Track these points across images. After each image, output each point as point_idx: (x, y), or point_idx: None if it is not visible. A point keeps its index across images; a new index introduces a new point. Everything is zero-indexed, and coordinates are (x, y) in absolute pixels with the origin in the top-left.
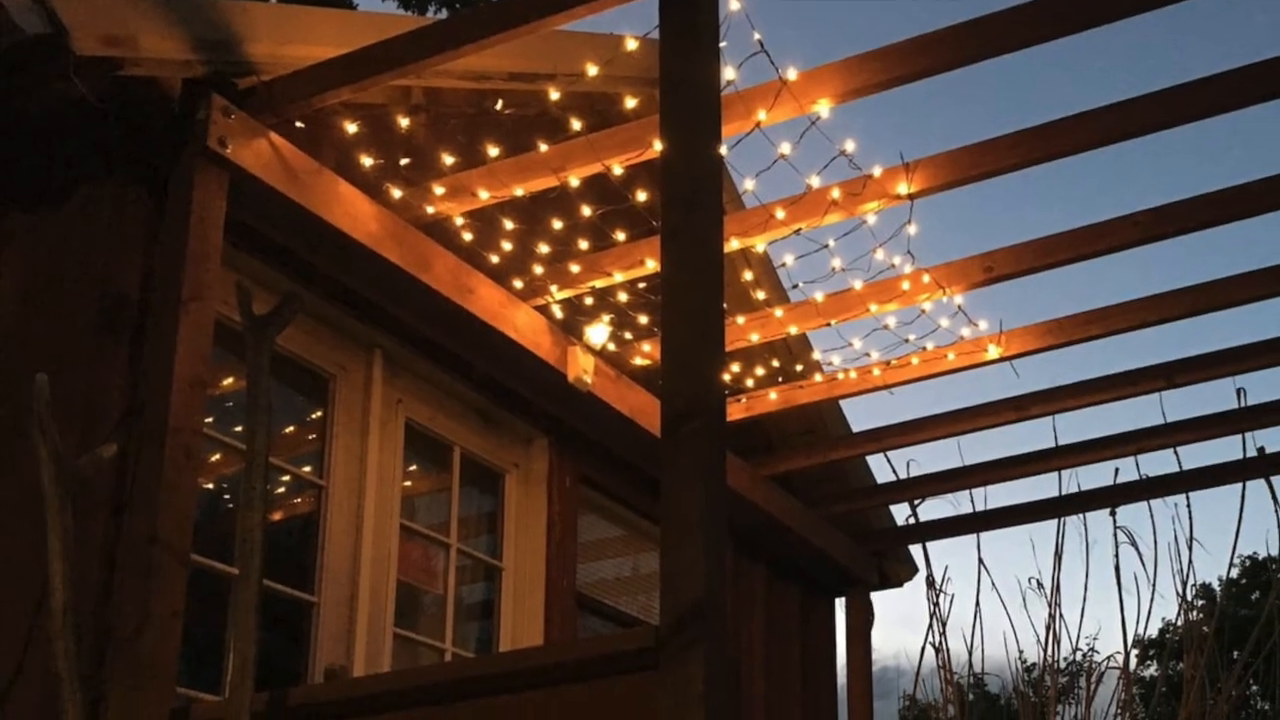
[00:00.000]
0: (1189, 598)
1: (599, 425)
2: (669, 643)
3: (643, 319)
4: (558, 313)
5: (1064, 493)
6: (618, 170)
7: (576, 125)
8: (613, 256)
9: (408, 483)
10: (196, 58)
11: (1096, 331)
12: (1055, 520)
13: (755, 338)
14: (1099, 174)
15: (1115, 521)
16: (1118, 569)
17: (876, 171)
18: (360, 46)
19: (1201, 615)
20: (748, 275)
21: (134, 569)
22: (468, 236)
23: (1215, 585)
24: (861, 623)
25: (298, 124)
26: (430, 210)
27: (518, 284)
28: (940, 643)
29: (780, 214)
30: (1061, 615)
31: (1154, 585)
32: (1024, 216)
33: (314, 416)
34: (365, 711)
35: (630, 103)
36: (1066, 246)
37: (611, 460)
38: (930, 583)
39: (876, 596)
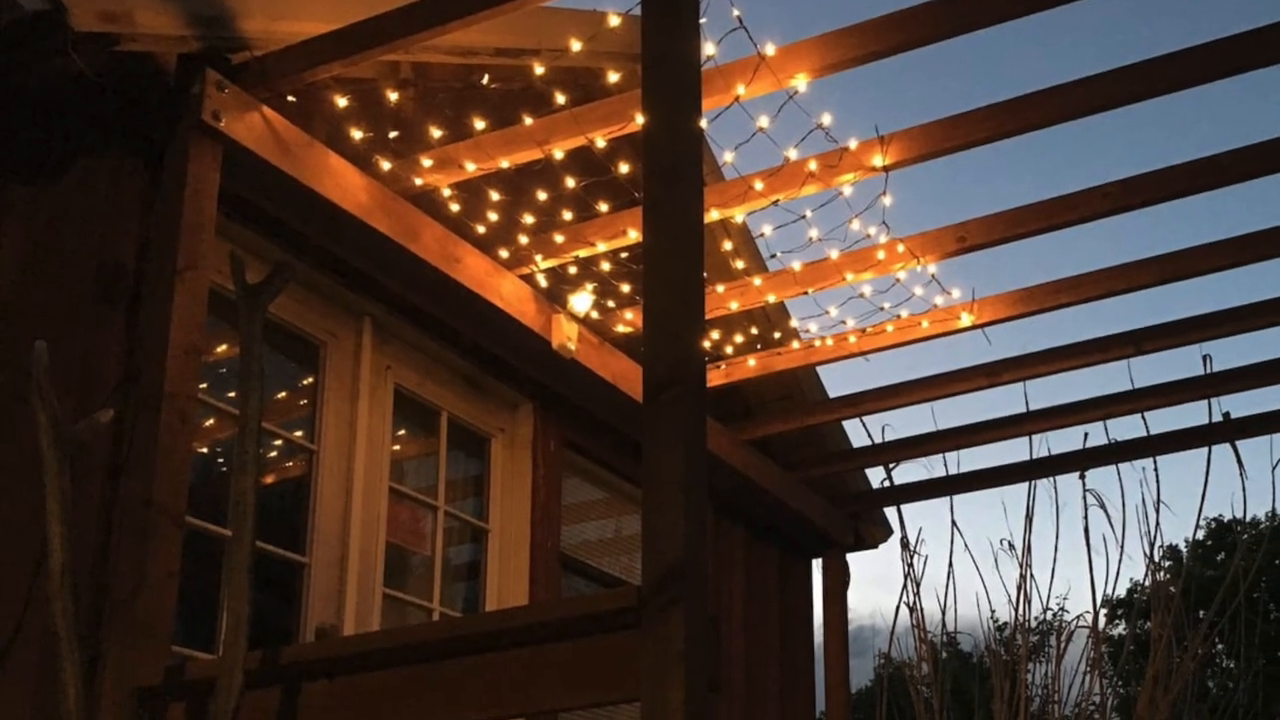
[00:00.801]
0: (1156, 559)
1: (582, 391)
2: (650, 602)
3: (625, 287)
4: (542, 281)
5: (1035, 457)
6: (600, 143)
7: (561, 99)
8: (596, 227)
9: (396, 447)
10: (191, 33)
11: (1066, 300)
12: (1026, 483)
13: (734, 306)
14: (1069, 147)
15: (1084, 485)
16: (1087, 531)
17: (852, 144)
18: (350, 22)
19: (1169, 576)
20: (727, 245)
21: (130, 531)
22: (455, 207)
23: (1182, 546)
24: (838, 583)
25: (289, 98)
26: (418, 182)
27: (503, 253)
28: (914, 602)
29: (759, 185)
30: (1032, 576)
31: (1122, 546)
32: (996, 188)
33: (305, 382)
34: (355, 669)
35: (613, 77)
36: (1037, 217)
37: (595, 425)
38: (904, 544)
39: (852, 557)
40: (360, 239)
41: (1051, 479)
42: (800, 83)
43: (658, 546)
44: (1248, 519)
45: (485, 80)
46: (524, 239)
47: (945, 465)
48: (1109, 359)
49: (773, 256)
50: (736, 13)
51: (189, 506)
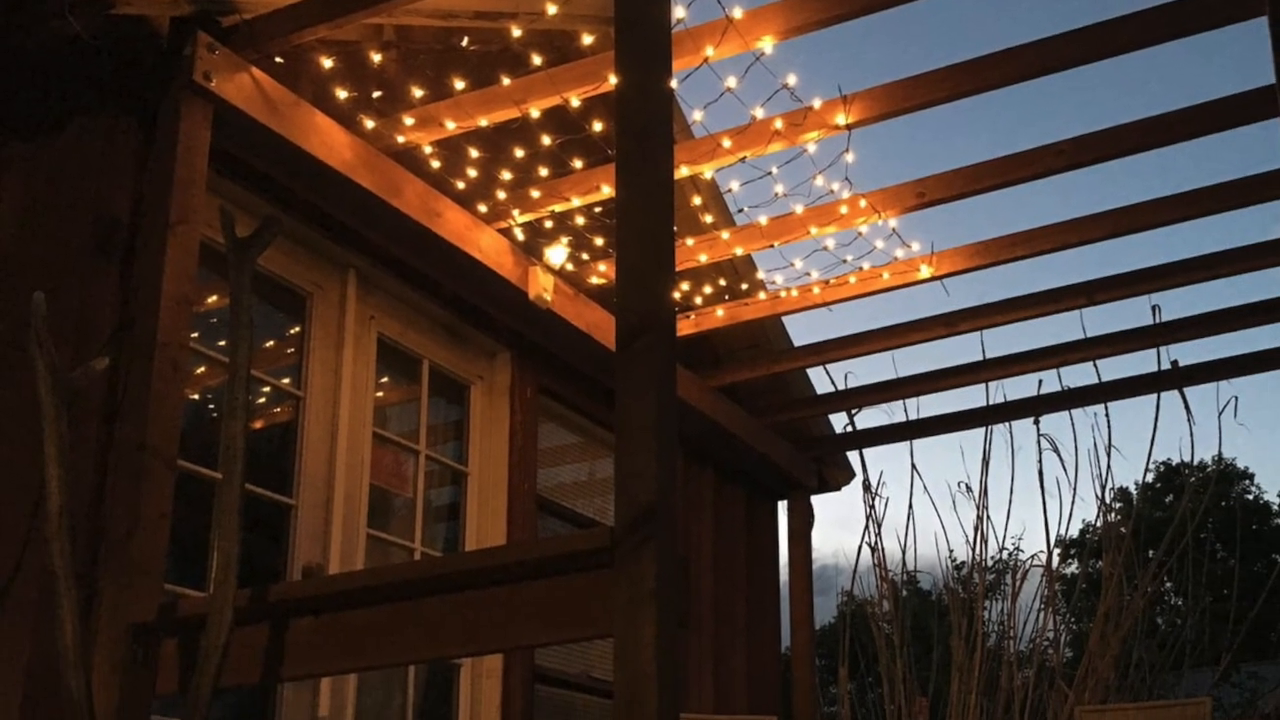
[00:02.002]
0: (1107, 501)
1: (558, 339)
2: (623, 542)
3: (598, 241)
4: (519, 235)
5: (991, 403)
6: (575, 102)
7: (537, 60)
8: (571, 183)
9: (380, 393)
10: None
11: (1021, 253)
12: (983, 428)
13: (703, 258)
14: (1024, 106)
15: (1039, 430)
16: (1041, 474)
17: (816, 104)
18: None
19: (1119, 517)
20: (696, 200)
21: (125, 474)
22: (435, 164)
23: (1132, 489)
24: (802, 524)
25: (277, 60)
26: (400, 140)
27: (482, 208)
28: (876, 542)
29: (727, 143)
30: (989, 517)
31: (1075, 489)
32: (954, 145)
33: (292, 332)
34: (340, 606)
35: (587, 39)
36: (994, 173)
37: (570, 372)
38: (866, 486)
39: (816, 499)
40: (345, 194)
41: (1007, 424)
42: (766, 44)
43: (630, 489)
44: (1195, 463)
45: (465, 42)
46: (502, 194)
47: (905, 411)
48: (1062, 309)
49: (740, 211)
50: None
51: (181, 450)
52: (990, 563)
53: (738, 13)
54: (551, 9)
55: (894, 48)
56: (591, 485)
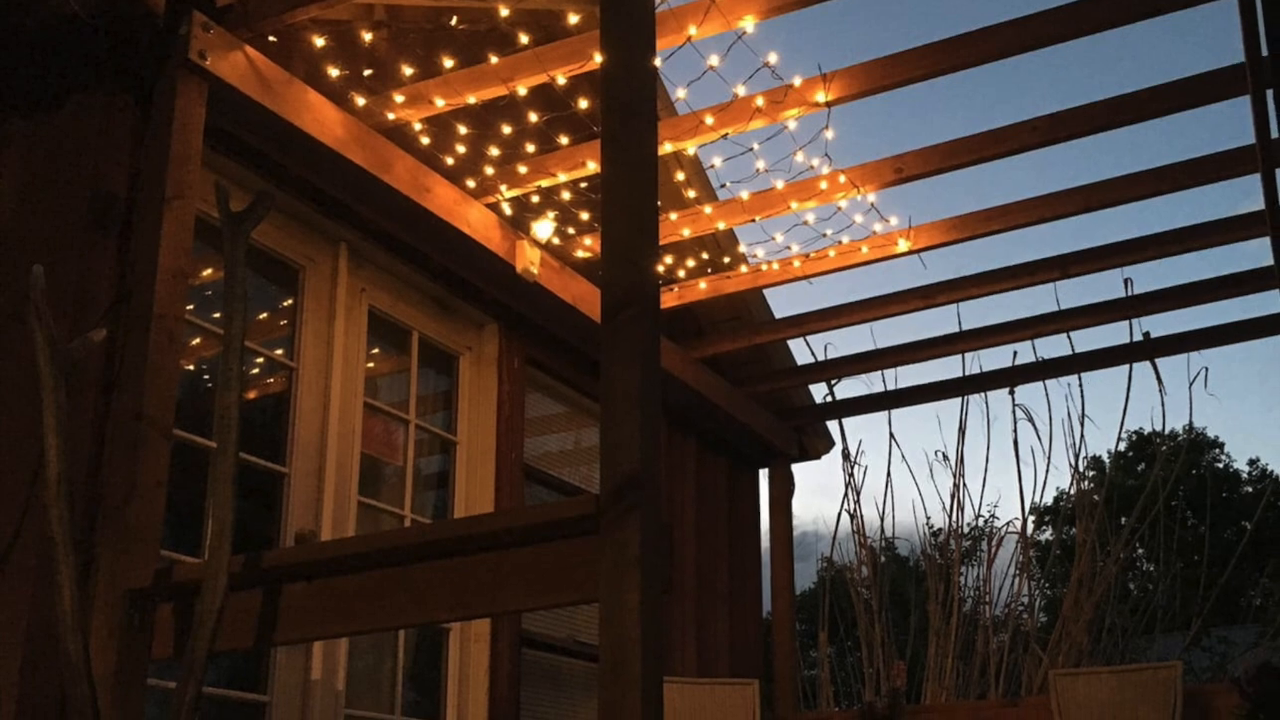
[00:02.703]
0: (1081, 469)
1: (545, 312)
2: (608, 510)
3: (584, 215)
4: (507, 210)
5: (967, 373)
6: (561, 80)
7: (524, 39)
8: (557, 158)
9: (370, 364)
10: None
11: (997, 227)
12: (959, 398)
13: (686, 232)
14: (999, 84)
15: (1014, 400)
16: (1016, 443)
17: (797, 81)
18: None
19: (1092, 485)
20: (680, 176)
21: (122, 443)
22: (425, 140)
23: (1105, 458)
24: (783, 492)
25: (271, 38)
26: (391, 117)
27: (470, 183)
28: (855, 510)
29: (709, 120)
30: (965, 485)
31: (1049, 457)
32: (931, 122)
33: (285, 304)
34: (332, 572)
35: (573, 19)
36: (970, 149)
37: (556, 343)
38: (846, 455)
39: (797, 468)
40: (337, 170)
41: (983, 394)
42: (748, 24)
43: (615, 457)
44: (1166, 432)
45: (454, 21)
46: (490, 170)
47: (884, 381)
48: (1036, 282)
49: (722, 186)
50: None
51: (177, 420)
52: (966, 529)
53: None
54: None
55: (873, 26)
56: (577, 454)
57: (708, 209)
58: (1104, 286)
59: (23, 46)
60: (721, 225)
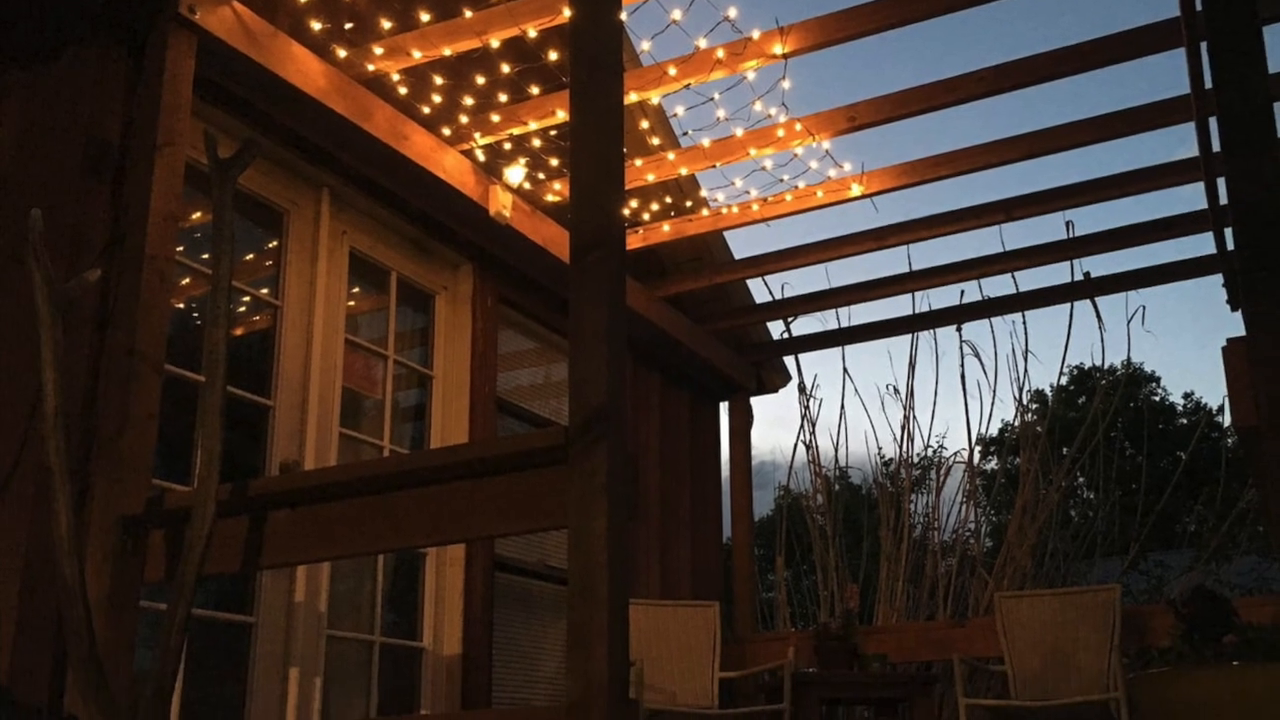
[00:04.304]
0: (1024, 402)
1: (516, 253)
2: (576, 441)
3: (554, 162)
4: (481, 156)
5: (917, 311)
6: (532, 34)
7: None
8: (528, 108)
9: (351, 303)
10: None
11: (945, 172)
12: (909, 335)
13: (651, 178)
14: (949, 36)
15: (961, 336)
16: (963, 377)
17: (755, 34)
18: None
19: (1035, 417)
20: (644, 124)
21: (115, 377)
22: (403, 91)
23: (1047, 391)
24: (742, 423)
25: None
26: (370, 68)
27: (446, 131)
28: (810, 441)
29: (672, 71)
30: (915, 417)
31: (994, 391)
32: (883, 73)
33: (270, 246)
34: (315, 500)
35: None
36: (920, 99)
37: (527, 283)
38: (801, 389)
39: (755, 401)
40: (319, 118)
41: (932, 331)
42: None
43: (583, 391)
44: (1105, 367)
45: None
46: (464, 118)
47: (838, 319)
48: (982, 224)
49: (685, 134)
50: None
51: (167, 355)
52: (916, 459)
53: None
54: None
55: None
56: (547, 388)
57: (671, 155)
58: (1047, 229)
59: (21, 1)
60: (684, 171)
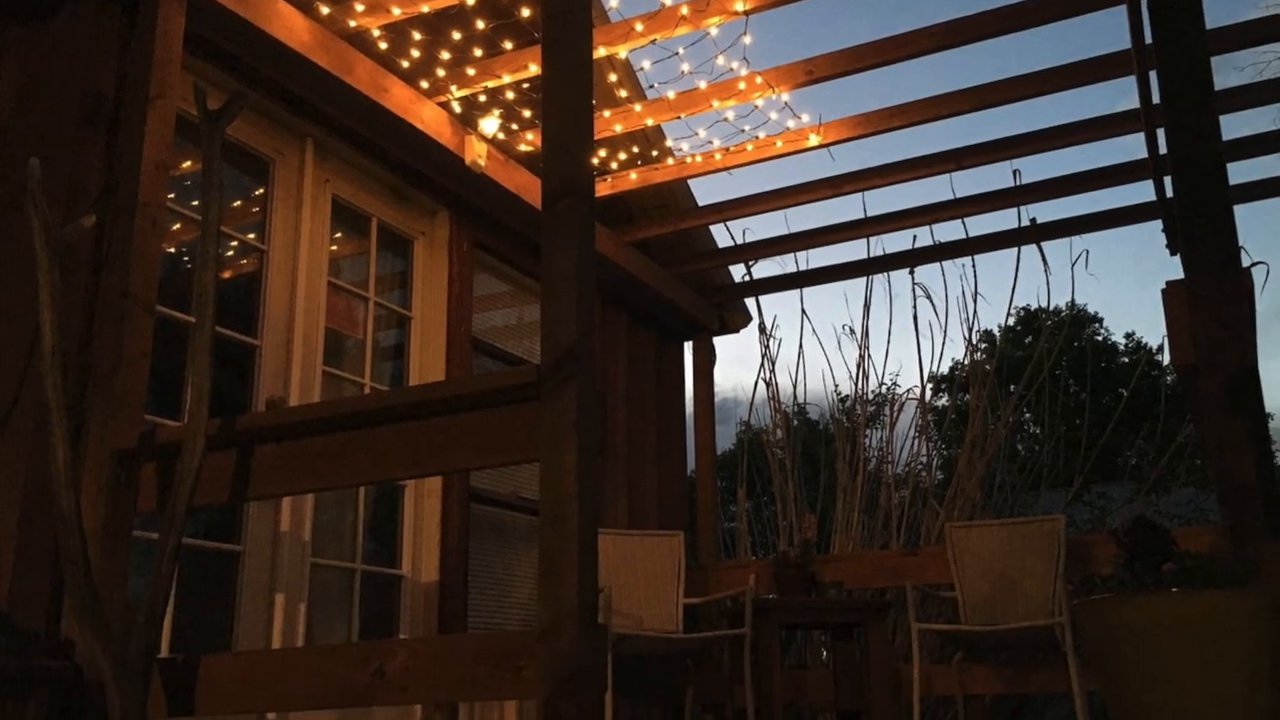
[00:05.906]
0: (974, 342)
1: (491, 200)
2: (548, 379)
3: (526, 113)
4: (457, 108)
5: (871, 255)
6: None
7: None
8: (502, 62)
9: (334, 247)
10: None
11: (898, 123)
12: (864, 278)
13: (619, 128)
14: None
15: (914, 279)
16: (915, 318)
17: None
18: None
19: (984, 356)
20: (612, 77)
21: (109, 318)
22: (383, 45)
23: (995, 331)
24: (705, 362)
25: None
26: (352, 24)
27: (424, 84)
28: (770, 378)
29: (639, 27)
30: (869, 356)
31: (945, 331)
32: (839, 29)
33: (257, 193)
34: (299, 434)
35: None
36: (874, 54)
37: (501, 229)
38: (762, 329)
39: (717, 340)
40: (303, 72)
41: (886, 274)
42: None
43: (554, 331)
44: (1051, 308)
45: None
46: (441, 72)
47: (796, 263)
48: (934, 173)
49: (651, 87)
50: None
51: (159, 297)
52: (871, 396)
53: None
54: None
55: None
56: (520, 328)
57: (638, 107)
58: (995, 177)
59: None
60: (650, 122)
